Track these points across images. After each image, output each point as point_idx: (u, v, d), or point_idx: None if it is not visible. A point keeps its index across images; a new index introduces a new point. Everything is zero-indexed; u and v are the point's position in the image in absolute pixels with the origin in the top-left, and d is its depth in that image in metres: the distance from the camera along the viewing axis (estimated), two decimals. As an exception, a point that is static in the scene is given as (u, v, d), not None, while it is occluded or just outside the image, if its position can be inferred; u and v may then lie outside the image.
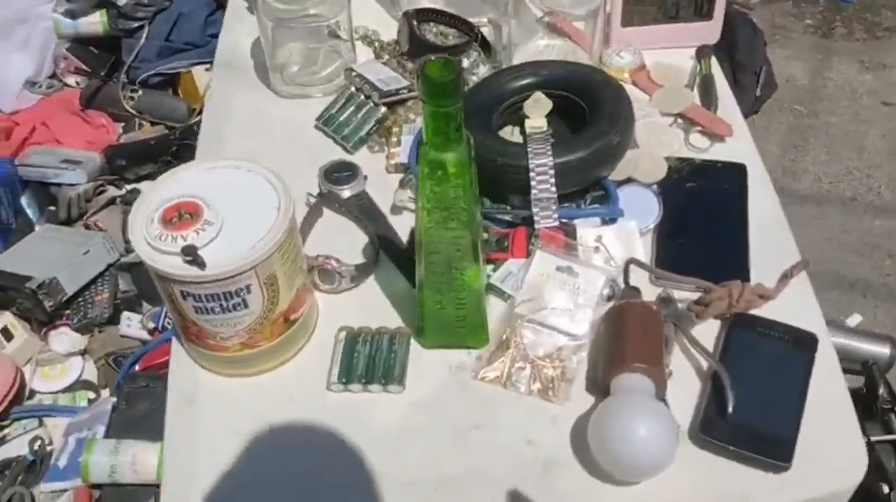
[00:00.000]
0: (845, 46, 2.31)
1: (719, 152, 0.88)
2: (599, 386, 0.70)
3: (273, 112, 0.97)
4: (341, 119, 0.91)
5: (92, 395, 1.56)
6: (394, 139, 0.90)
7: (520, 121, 0.86)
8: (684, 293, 0.76)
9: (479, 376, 0.72)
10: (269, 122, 0.95)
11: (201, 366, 0.74)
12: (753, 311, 0.74)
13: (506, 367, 0.72)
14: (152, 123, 2.03)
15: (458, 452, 0.68)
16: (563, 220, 0.80)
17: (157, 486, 1.05)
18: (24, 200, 1.83)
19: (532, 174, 0.78)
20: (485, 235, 0.79)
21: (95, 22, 2.02)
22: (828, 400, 0.69)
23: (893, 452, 0.96)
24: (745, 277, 0.76)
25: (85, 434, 1.41)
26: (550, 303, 0.75)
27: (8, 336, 1.57)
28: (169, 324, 1.53)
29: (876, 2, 2.43)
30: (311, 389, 0.72)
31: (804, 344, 0.72)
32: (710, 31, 0.98)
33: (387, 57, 1.00)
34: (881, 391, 1.38)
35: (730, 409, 0.67)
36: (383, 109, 0.90)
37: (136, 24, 2.00)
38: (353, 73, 0.92)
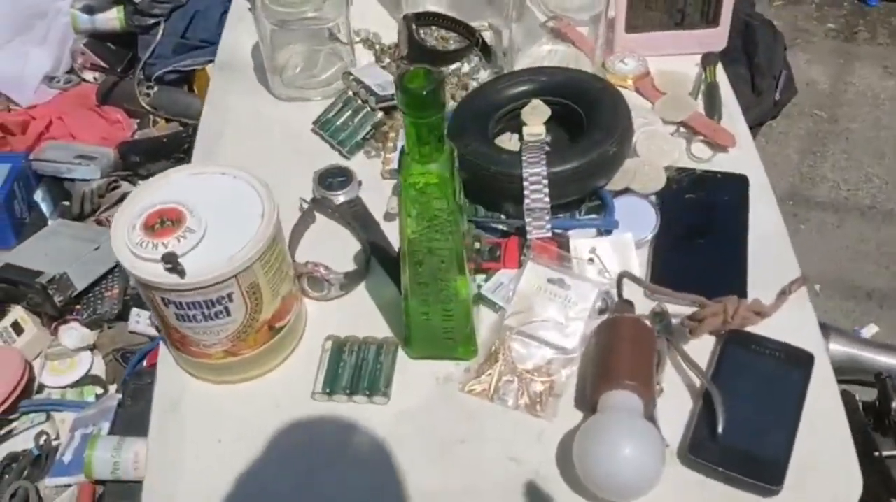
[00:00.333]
0: (868, 51, 2.26)
1: (722, 163, 0.86)
2: (588, 402, 0.68)
3: (271, 114, 0.96)
4: (338, 123, 0.90)
5: (100, 390, 1.57)
6: (390, 144, 0.89)
7: (518, 128, 0.85)
8: (679, 307, 0.74)
9: (465, 388, 0.71)
10: (267, 125, 0.95)
11: (187, 371, 0.73)
12: (749, 328, 0.72)
13: (493, 380, 0.71)
14: (167, 120, 2.04)
15: (441, 466, 0.67)
16: (557, 231, 0.78)
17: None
18: (38, 195, 1.84)
19: (525, 183, 0.77)
20: (476, 244, 0.78)
21: (112, 18, 2.04)
22: (823, 422, 0.67)
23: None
24: (742, 292, 0.75)
25: (91, 429, 1.42)
26: (541, 315, 0.73)
27: (18, 330, 1.59)
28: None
29: (901, 5, 2.38)
30: (297, 397, 0.72)
31: (800, 363, 0.70)
32: (716, 38, 0.96)
33: (387, 60, 0.99)
34: (894, 404, 1.35)
35: (720, 430, 0.65)
36: (380, 114, 0.89)
37: (152, 21, 2.01)
38: (351, 77, 0.91)
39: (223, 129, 0.95)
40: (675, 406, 0.69)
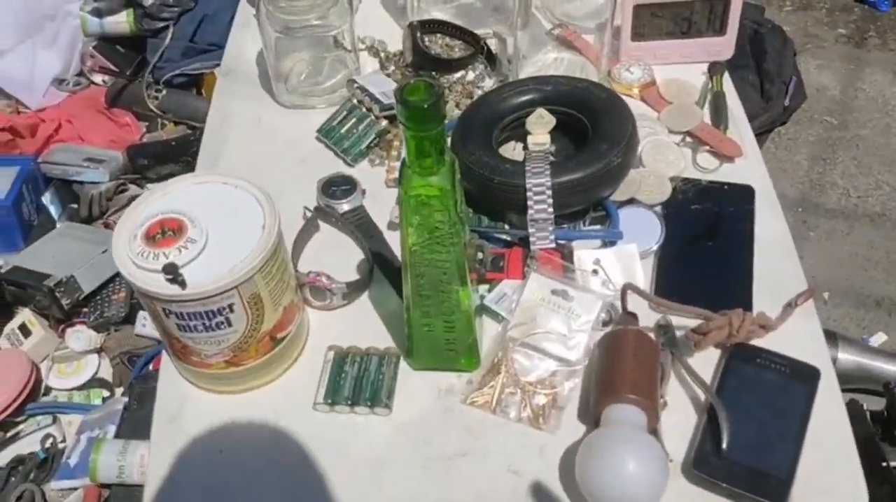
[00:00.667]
0: (878, 57, 2.24)
1: (728, 173, 0.85)
2: (591, 416, 0.68)
3: (275, 121, 0.96)
4: (342, 131, 0.90)
5: (106, 393, 1.57)
6: (394, 153, 0.88)
7: (522, 136, 0.84)
8: (683, 319, 0.73)
9: (468, 400, 0.71)
10: (271, 132, 0.95)
11: (188, 381, 0.73)
12: (755, 341, 0.72)
13: (496, 392, 0.71)
14: (175, 123, 2.04)
15: (443, 479, 0.67)
16: (561, 242, 0.78)
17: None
18: (46, 197, 1.85)
19: (529, 194, 0.76)
20: (479, 255, 0.77)
21: (122, 21, 2.04)
22: (829, 437, 0.67)
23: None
24: (748, 305, 0.74)
25: (97, 433, 1.43)
26: (544, 327, 0.73)
27: (26, 332, 1.60)
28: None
29: (913, 11, 2.36)
30: (299, 408, 0.71)
31: (805, 377, 0.69)
32: (723, 46, 0.95)
33: (392, 68, 0.98)
34: (903, 414, 1.34)
35: (724, 445, 0.64)
36: (384, 122, 0.89)
37: (161, 25, 2.02)
38: (355, 85, 0.91)
39: (227, 136, 0.95)
40: (679, 420, 0.68)
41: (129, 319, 1.61)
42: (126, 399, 1.48)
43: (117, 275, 1.65)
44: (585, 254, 0.78)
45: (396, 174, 0.87)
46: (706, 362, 0.72)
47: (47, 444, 1.43)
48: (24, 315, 1.61)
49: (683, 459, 0.66)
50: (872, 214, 1.86)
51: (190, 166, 1.88)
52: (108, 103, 2.05)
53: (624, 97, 0.86)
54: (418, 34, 0.95)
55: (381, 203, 0.85)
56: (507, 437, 0.69)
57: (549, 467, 0.67)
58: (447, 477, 0.67)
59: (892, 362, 1.50)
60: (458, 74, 0.96)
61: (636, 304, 0.74)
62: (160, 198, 0.67)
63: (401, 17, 1.05)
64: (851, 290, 1.73)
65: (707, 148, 0.87)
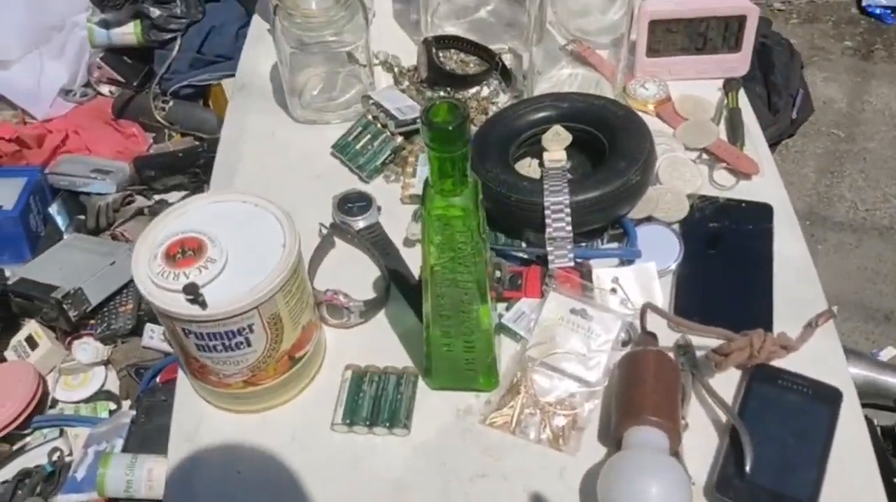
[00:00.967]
0: (885, 69, 2.24)
1: (745, 191, 0.85)
2: (612, 438, 0.67)
3: (290, 137, 0.96)
4: (357, 147, 0.90)
5: (113, 406, 1.57)
6: (409, 169, 0.88)
7: (538, 153, 0.84)
8: (702, 339, 0.73)
9: (487, 421, 0.70)
10: (286, 148, 0.95)
11: (205, 400, 0.73)
12: (775, 362, 0.71)
13: (515, 413, 0.70)
14: (183, 134, 2.04)
15: (462, 501, 0.66)
16: (579, 260, 0.77)
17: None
18: (53, 208, 1.85)
19: (547, 212, 0.76)
20: (497, 273, 0.77)
21: (129, 33, 2.04)
22: (852, 460, 0.66)
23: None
24: (768, 325, 0.74)
25: (104, 446, 1.42)
26: (563, 346, 0.72)
27: (33, 344, 1.59)
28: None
29: (919, 23, 2.36)
30: (316, 428, 0.71)
31: (828, 399, 0.68)
32: (738, 63, 0.95)
33: (406, 83, 0.98)
34: (913, 429, 1.33)
35: (748, 468, 0.64)
36: (399, 139, 0.89)
37: (168, 36, 2.02)
38: (371, 101, 0.90)
39: (242, 152, 0.94)
40: (701, 442, 0.68)
41: (137, 331, 1.61)
42: (133, 412, 1.47)
43: (124, 286, 1.64)
44: (604, 272, 0.77)
45: (412, 190, 0.87)
46: (726, 383, 0.71)
47: (54, 457, 1.43)
48: (31, 327, 1.61)
49: (706, 482, 0.65)
50: (881, 227, 1.86)
51: (197, 177, 1.88)
52: (114, 114, 2.05)
53: (639, 113, 0.86)
54: (433, 50, 0.95)
55: (396, 219, 0.85)
56: (526, 459, 0.68)
57: (569, 490, 0.66)
58: (466, 499, 0.66)
59: (903, 377, 1.50)
60: (473, 90, 0.96)
61: (655, 324, 0.74)
62: (179, 217, 0.67)
63: (414, 31, 1.05)
64: (860, 304, 1.72)
65: (724, 165, 0.87)
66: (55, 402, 1.57)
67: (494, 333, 0.69)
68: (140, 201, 1.88)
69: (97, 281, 1.60)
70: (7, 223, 1.72)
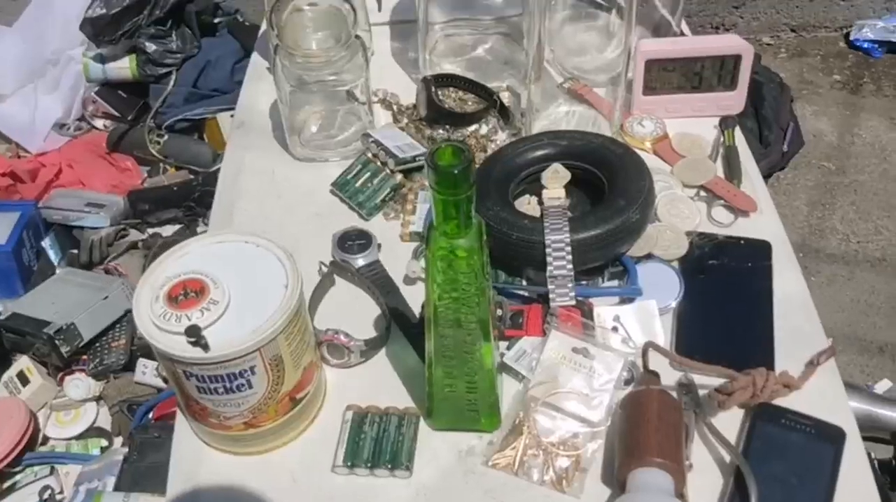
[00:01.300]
0: (874, 103, 2.27)
1: (743, 227, 0.86)
2: (616, 480, 0.67)
3: (289, 174, 0.96)
4: (356, 185, 0.90)
5: (105, 443, 1.55)
6: (409, 207, 0.88)
7: (537, 191, 0.84)
8: (705, 378, 0.73)
9: (489, 462, 0.69)
10: (285, 185, 0.95)
11: (204, 442, 0.72)
12: (778, 401, 0.71)
13: (518, 454, 0.70)
14: (177, 168, 2.04)
15: (465, 544, 0.65)
16: (580, 298, 0.77)
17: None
18: (46, 242, 1.84)
19: (548, 250, 0.76)
20: (499, 312, 0.77)
21: (124, 67, 2.05)
22: (854, 498, 0.66)
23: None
24: (770, 363, 0.73)
25: (95, 484, 1.40)
26: (566, 386, 0.72)
27: (24, 380, 1.58)
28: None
29: (905, 57, 2.40)
30: (316, 469, 0.70)
31: (831, 438, 0.68)
32: (734, 101, 0.96)
33: (405, 121, 0.99)
34: (911, 463, 1.33)
35: (753, 509, 0.63)
36: (399, 176, 0.89)
37: (164, 71, 2.03)
38: (370, 139, 0.91)
39: (241, 189, 0.94)
40: (705, 483, 0.67)
41: (129, 366, 1.60)
42: (125, 449, 1.45)
43: (117, 321, 1.63)
44: (605, 310, 0.77)
45: (412, 228, 0.87)
46: (728, 422, 0.71)
47: (45, 496, 1.41)
48: (22, 362, 1.59)
49: (711, 523, 0.65)
50: (873, 260, 1.87)
51: (192, 211, 1.88)
52: (109, 147, 2.05)
53: (636, 150, 0.87)
54: (432, 88, 0.96)
55: (396, 257, 0.85)
56: (530, 501, 0.67)
57: (574, 532, 0.65)
58: (470, 542, 0.65)
59: (899, 409, 1.50)
60: (472, 128, 0.97)
61: (657, 362, 0.74)
62: (181, 258, 0.67)
63: (413, 70, 1.06)
64: (854, 337, 1.72)
65: (722, 202, 0.87)
66: (46, 439, 1.55)
67: (497, 373, 0.69)
68: (134, 235, 1.87)
69: (90, 316, 1.59)
70: (0, 258, 1.71)
